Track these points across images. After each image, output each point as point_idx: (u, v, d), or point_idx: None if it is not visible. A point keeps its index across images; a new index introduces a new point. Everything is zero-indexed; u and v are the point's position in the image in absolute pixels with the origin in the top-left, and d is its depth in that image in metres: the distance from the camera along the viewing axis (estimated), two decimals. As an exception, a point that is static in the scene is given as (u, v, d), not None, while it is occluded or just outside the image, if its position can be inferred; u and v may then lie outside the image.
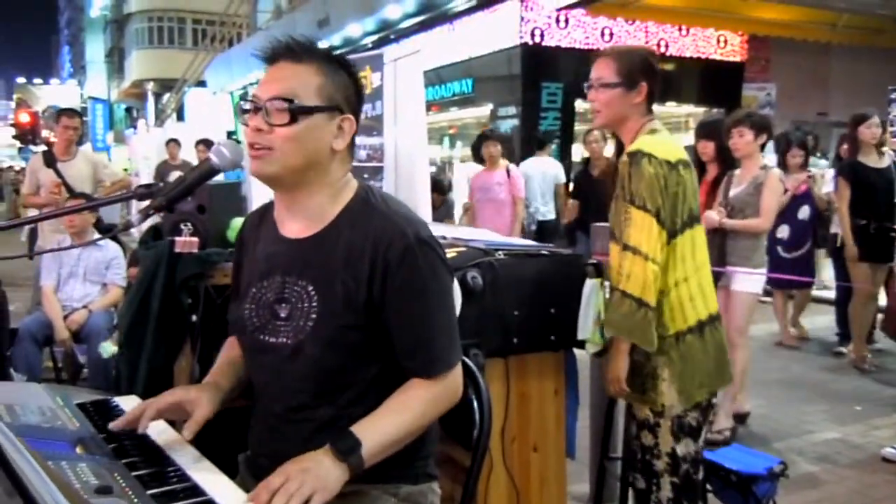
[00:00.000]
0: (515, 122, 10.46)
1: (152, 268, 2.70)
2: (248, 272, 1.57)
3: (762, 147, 4.08)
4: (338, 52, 1.55)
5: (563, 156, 10.06)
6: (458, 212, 7.62)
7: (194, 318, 2.64)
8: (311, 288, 1.44)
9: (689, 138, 6.17)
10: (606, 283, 2.28)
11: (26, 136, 34.07)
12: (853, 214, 5.20)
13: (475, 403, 1.62)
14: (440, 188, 6.21)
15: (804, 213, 5.79)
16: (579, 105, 10.39)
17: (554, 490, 2.40)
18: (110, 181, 5.57)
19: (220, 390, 1.52)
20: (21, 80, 72.97)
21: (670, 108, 11.45)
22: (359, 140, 3.87)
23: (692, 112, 11.60)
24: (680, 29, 11.09)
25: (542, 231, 7.26)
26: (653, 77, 2.22)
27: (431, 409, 1.44)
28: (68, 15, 61.31)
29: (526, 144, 9.31)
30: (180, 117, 21.75)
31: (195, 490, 1.22)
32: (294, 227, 1.50)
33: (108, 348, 3.89)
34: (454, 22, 11.34)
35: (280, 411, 1.47)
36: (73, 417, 1.45)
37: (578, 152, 8.97)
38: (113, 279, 4.37)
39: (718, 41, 11.42)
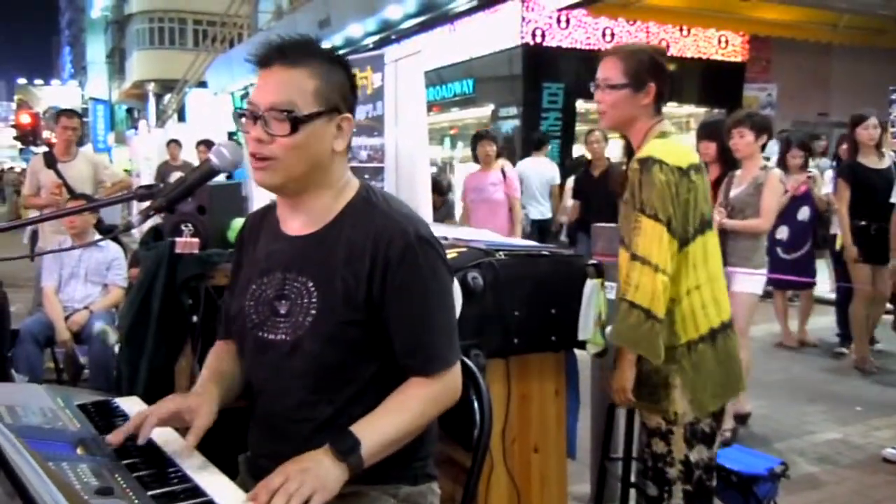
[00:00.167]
0: (516, 122, 10.47)
1: (153, 268, 2.71)
2: (248, 270, 1.57)
3: (762, 147, 4.08)
4: (339, 52, 1.55)
5: (564, 156, 10.07)
6: (458, 212, 7.61)
7: (195, 318, 2.65)
8: (311, 284, 1.44)
9: (690, 139, 6.18)
10: (607, 284, 2.27)
11: (27, 137, 34.14)
12: (853, 215, 5.20)
13: (476, 404, 1.62)
14: (439, 189, 6.19)
15: (804, 214, 5.77)
16: (580, 105, 10.41)
17: (554, 490, 2.40)
18: (111, 182, 5.57)
19: (217, 397, 1.51)
20: (22, 81, 73.12)
21: (671, 109, 11.44)
22: (360, 140, 3.88)
23: (693, 112, 11.62)
24: (681, 29, 11.10)
25: (542, 231, 7.27)
26: (661, 77, 2.13)
27: (431, 408, 1.44)
28: (69, 16, 61.35)
29: (527, 145, 9.32)
30: (181, 118, 21.76)
31: (196, 491, 1.22)
32: (296, 224, 1.51)
33: (108, 333, 3.90)
34: (455, 22, 11.35)
35: (279, 410, 1.47)
36: (74, 418, 1.45)
37: (579, 153, 8.96)
38: (114, 280, 4.37)
39: (719, 41, 11.43)
